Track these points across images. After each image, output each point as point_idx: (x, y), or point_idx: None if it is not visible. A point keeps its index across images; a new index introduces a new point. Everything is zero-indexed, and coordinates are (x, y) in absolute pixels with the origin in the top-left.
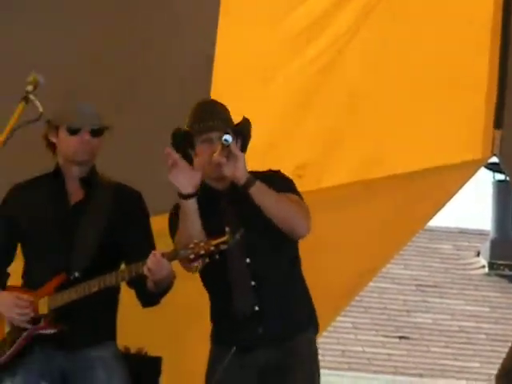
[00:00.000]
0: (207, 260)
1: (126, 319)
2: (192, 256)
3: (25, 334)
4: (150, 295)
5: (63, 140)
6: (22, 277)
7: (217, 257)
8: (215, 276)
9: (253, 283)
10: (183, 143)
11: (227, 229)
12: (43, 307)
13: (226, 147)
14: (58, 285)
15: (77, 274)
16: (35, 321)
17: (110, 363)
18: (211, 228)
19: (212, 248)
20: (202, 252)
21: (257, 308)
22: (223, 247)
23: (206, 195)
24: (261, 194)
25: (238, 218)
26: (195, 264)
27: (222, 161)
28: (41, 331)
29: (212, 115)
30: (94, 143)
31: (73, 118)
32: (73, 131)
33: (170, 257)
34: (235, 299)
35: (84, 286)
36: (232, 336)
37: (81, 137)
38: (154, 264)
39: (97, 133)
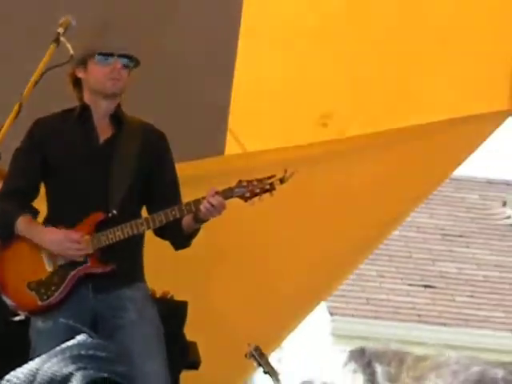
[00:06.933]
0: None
1: (151, 262)
2: (248, 194)
3: (72, 273)
4: (185, 237)
5: (93, 71)
6: (48, 215)
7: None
8: None
9: None
10: None
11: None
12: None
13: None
14: (98, 222)
15: (114, 212)
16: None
17: (142, 305)
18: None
19: (267, 186)
20: (257, 190)
21: None
22: (277, 185)
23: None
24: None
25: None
26: (249, 202)
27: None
28: (90, 271)
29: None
30: (124, 75)
31: (103, 47)
32: (103, 60)
33: (226, 195)
34: None
35: (131, 224)
36: None
37: (112, 66)
38: (215, 200)
39: (127, 65)
